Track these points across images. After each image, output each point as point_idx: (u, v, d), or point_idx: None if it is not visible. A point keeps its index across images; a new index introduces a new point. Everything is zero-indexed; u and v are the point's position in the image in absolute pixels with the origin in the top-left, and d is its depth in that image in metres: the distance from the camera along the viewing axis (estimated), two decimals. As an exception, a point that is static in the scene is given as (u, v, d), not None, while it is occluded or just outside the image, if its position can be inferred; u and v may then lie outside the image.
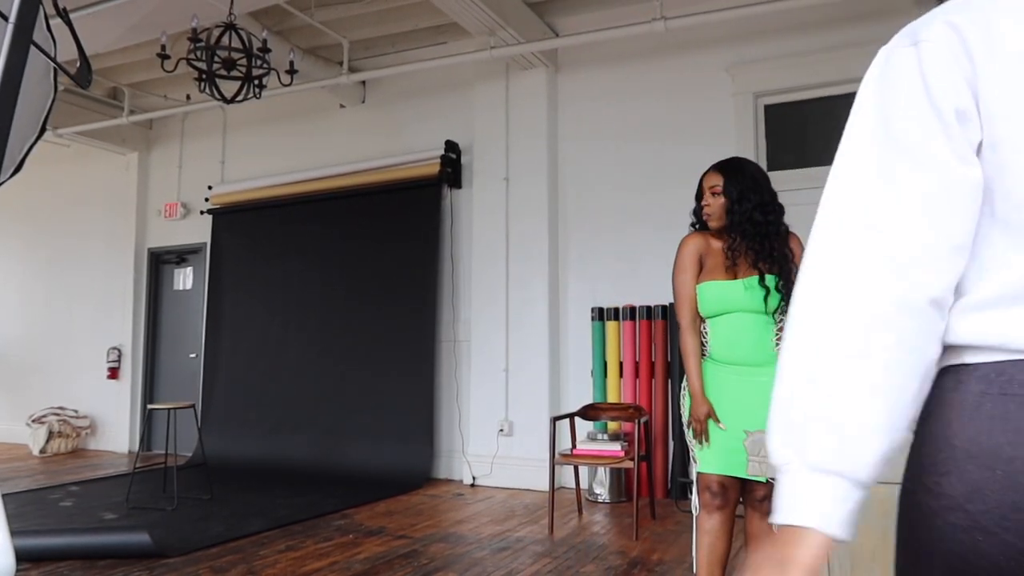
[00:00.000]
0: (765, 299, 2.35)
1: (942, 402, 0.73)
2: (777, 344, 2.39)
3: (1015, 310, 0.69)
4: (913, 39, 0.79)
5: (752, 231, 2.38)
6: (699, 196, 2.53)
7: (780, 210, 2.46)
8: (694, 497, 2.47)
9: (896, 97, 0.77)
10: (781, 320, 2.41)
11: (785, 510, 0.74)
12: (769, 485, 2.32)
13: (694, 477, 2.47)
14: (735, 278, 2.39)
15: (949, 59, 0.74)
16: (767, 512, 2.38)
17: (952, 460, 0.70)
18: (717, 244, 2.48)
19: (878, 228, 0.72)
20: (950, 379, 0.73)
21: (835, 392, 0.71)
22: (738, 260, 2.40)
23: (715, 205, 2.44)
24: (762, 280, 2.36)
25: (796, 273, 2.42)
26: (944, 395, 0.73)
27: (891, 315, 0.71)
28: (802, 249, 2.41)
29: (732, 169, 2.46)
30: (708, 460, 2.41)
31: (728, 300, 2.39)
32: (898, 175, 0.74)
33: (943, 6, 0.80)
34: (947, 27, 0.75)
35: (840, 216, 0.76)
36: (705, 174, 2.52)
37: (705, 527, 2.41)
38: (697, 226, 2.55)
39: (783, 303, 2.35)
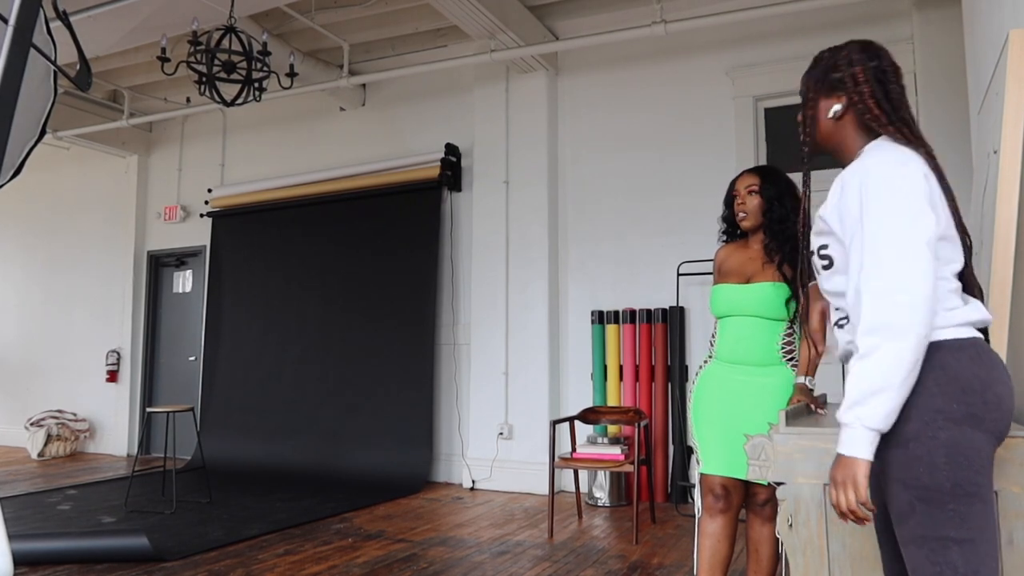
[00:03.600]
0: (787, 304, 2.38)
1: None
2: (782, 348, 2.41)
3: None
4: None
5: (790, 233, 2.42)
6: (728, 201, 2.56)
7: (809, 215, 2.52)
8: (697, 499, 2.47)
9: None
10: (791, 325, 2.42)
11: (848, 447, 1.33)
12: (771, 489, 2.32)
13: (697, 478, 2.48)
14: (747, 282, 2.44)
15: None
16: (769, 517, 2.37)
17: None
18: (739, 252, 2.53)
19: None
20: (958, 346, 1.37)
21: (886, 393, 1.31)
22: (752, 256, 2.46)
23: (751, 204, 2.47)
24: (788, 284, 2.39)
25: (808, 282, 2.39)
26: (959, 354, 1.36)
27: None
28: None
29: (769, 172, 2.51)
30: (711, 460, 2.41)
31: (738, 303, 2.43)
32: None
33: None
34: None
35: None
36: (737, 178, 2.55)
37: (707, 530, 2.41)
38: (726, 236, 2.60)
39: (795, 310, 2.40)
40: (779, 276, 2.40)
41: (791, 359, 2.40)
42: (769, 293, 2.39)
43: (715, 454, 2.41)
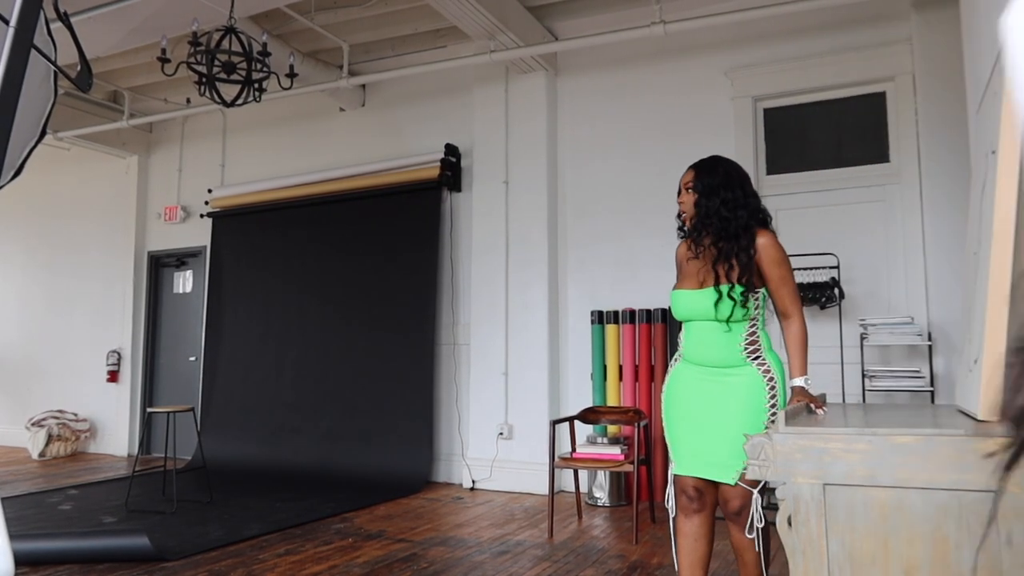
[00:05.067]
0: (716, 305, 2.29)
1: None
2: (745, 348, 2.32)
3: None
4: None
5: (718, 226, 2.34)
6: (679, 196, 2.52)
7: (751, 207, 2.38)
8: (671, 498, 2.44)
9: None
10: (753, 324, 2.34)
11: None
12: (743, 496, 2.26)
13: (671, 477, 2.45)
14: (701, 287, 2.36)
15: None
16: (743, 524, 2.31)
17: None
18: (693, 253, 2.46)
19: None
20: None
21: None
22: (701, 256, 2.38)
23: (688, 201, 2.43)
24: (717, 286, 2.31)
25: (755, 274, 2.32)
26: None
27: None
28: (775, 245, 2.30)
29: (704, 166, 2.44)
30: (682, 461, 2.38)
31: (692, 308, 2.37)
32: None
33: None
34: None
35: None
36: (683, 175, 2.51)
37: (683, 530, 2.39)
38: (684, 231, 2.53)
39: (743, 308, 2.29)
40: (727, 278, 2.30)
41: (756, 357, 2.32)
42: (714, 297, 2.30)
43: (685, 455, 2.38)
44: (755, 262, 2.31)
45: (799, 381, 2.28)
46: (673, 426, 2.44)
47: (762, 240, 2.33)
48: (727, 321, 2.30)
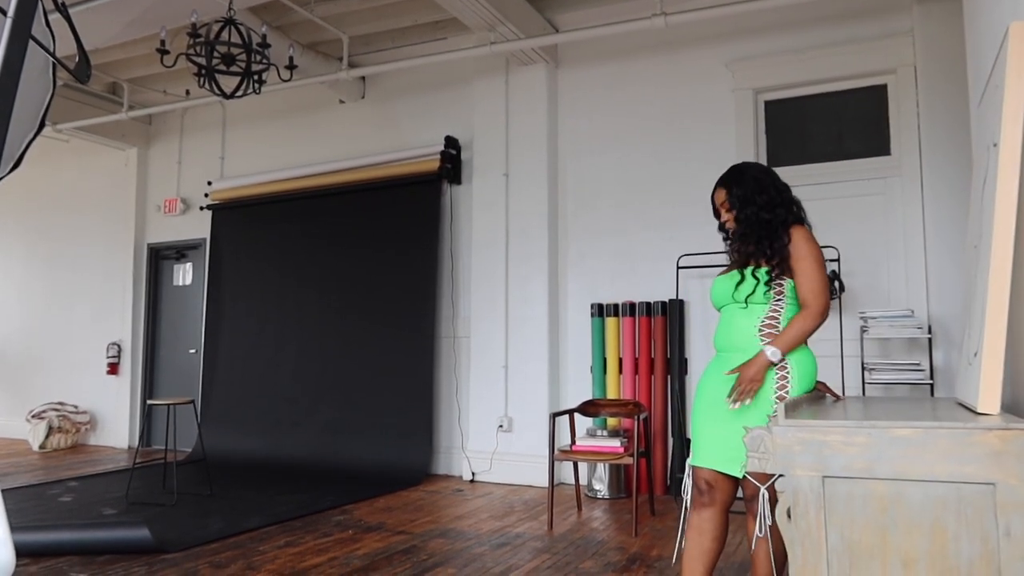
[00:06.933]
0: (737, 285, 2.38)
1: None
2: (760, 331, 2.35)
3: None
4: None
5: (762, 231, 2.40)
6: (716, 214, 2.59)
7: (787, 203, 2.45)
8: (688, 487, 2.44)
9: None
10: (775, 312, 2.36)
11: None
12: (753, 487, 2.26)
13: (687, 467, 2.46)
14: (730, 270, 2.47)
15: None
16: (755, 514, 2.31)
17: None
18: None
19: None
20: None
21: None
22: (742, 258, 2.45)
23: (730, 219, 2.50)
24: (743, 268, 2.39)
25: (790, 261, 2.38)
26: None
27: None
28: (805, 240, 2.33)
29: (732, 179, 2.50)
30: (697, 452, 2.39)
31: (720, 292, 2.46)
32: None
33: None
34: None
35: None
36: (712, 193, 2.56)
37: (691, 522, 2.39)
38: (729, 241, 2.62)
39: (764, 292, 2.34)
40: (755, 262, 2.38)
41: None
42: (737, 278, 2.38)
43: (700, 445, 2.39)
44: (787, 251, 2.38)
45: (769, 349, 2.28)
46: (695, 416, 2.47)
47: (795, 235, 2.39)
48: (745, 300, 2.36)
